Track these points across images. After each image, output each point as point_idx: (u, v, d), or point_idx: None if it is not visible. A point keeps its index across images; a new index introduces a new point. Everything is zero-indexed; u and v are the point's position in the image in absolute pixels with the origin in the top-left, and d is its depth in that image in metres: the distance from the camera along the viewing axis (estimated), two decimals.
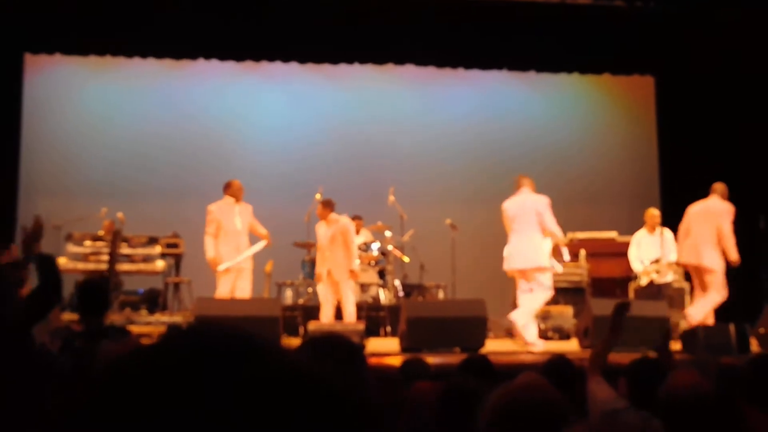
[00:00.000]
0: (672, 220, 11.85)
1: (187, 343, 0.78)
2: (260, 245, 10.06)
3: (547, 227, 9.08)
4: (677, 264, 10.34)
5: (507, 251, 9.22)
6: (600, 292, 12.02)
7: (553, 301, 11.64)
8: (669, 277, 11.03)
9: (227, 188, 9.93)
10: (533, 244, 9.02)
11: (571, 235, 12.67)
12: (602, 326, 8.04)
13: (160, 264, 11.63)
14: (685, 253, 9.91)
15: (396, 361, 6.82)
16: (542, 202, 9.15)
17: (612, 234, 12.71)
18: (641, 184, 14.66)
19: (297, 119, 14.43)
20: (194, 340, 0.78)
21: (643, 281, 11.01)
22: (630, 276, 11.44)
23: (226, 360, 0.76)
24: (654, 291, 10.88)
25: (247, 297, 9.73)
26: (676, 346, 8.69)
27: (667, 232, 11.10)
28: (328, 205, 10.00)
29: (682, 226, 10.08)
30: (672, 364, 4.34)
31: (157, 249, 11.63)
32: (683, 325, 9.75)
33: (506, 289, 11.39)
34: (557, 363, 4.55)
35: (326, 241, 9.88)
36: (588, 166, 14.82)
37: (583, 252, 12.08)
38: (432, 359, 6.63)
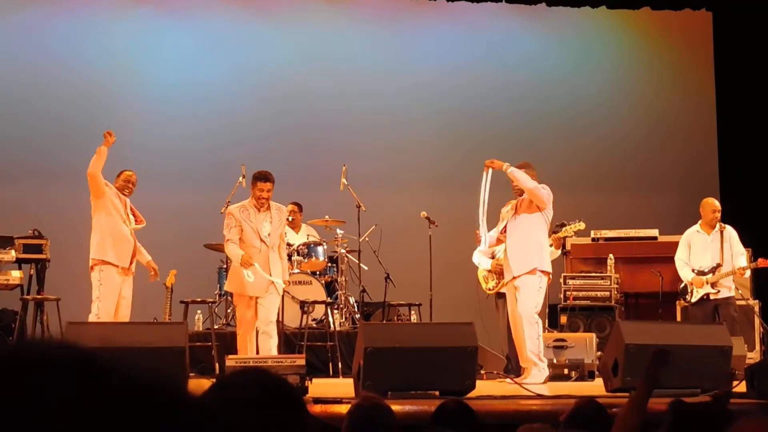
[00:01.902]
0: (734, 213, 11.93)
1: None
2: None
3: None
4: None
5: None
6: (635, 313, 12.08)
7: (570, 326, 11.70)
8: (731, 290, 11.11)
9: None
10: None
11: (595, 233, 12.74)
12: (636, 360, 8.07)
13: (15, 274, 11.49)
14: None
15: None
16: None
17: (652, 232, 12.78)
18: (693, 165, 14.76)
19: (210, 72, 14.33)
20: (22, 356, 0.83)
21: (694, 296, 11.09)
22: (677, 290, 11.51)
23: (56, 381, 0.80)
24: (709, 310, 10.96)
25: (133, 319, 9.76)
26: (740, 387, 8.75)
27: (730, 231, 11.17)
28: (270, 179, 9.86)
29: None
30: (727, 410, 4.36)
31: (12, 253, 11.51)
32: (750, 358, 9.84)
33: (502, 308, 11.41)
34: (587, 410, 4.55)
35: (261, 234, 9.71)
36: (618, 139, 14.89)
37: (611, 257, 12.13)
38: (399, 406, 6.61)
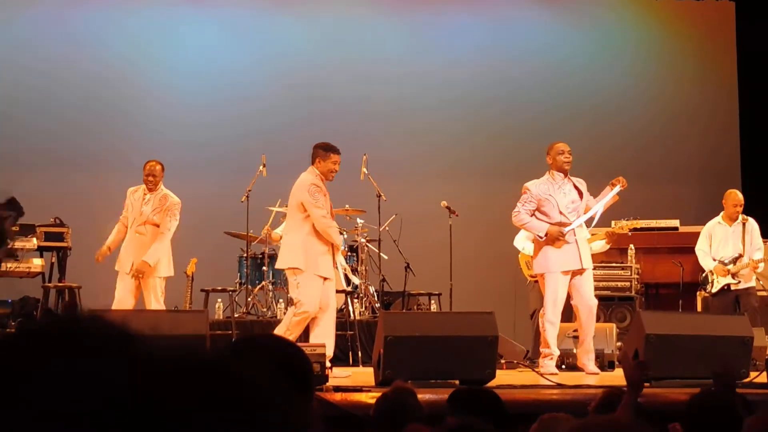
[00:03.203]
0: (755, 204, 11.89)
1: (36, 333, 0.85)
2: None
3: None
4: None
5: None
6: (656, 303, 12.05)
7: None
8: (751, 281, 11.08)
9: None
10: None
11: (616, 224, 12.71)
12: (657, 350, 8.06)
13: (37, 262, 11.55)
14: None
15: (370, 398, 6.79)
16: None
17: (673, 223, 12.74)
18: (713, 156, 14.70)
19: (231, 62, 14.34)
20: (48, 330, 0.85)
21: (715, 286, 11.06)
22: (698, 280, 11.49)
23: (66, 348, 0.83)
24: (729, 300, 10.93)
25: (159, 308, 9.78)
26: (761, 377, 8.73)
27: (752, 223, 11.14)
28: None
29: None
30: (738, 400, 4.34)
31: (33, 241, 11.55)
32: None
33: (522, 298, 11.40)
34: (615, 398, 4.59)
35: (325, 210, 9.49)
36: (640, 128, 14.85)
37: (632, 248, 12.10)
38: (419, 395, 6.61)
